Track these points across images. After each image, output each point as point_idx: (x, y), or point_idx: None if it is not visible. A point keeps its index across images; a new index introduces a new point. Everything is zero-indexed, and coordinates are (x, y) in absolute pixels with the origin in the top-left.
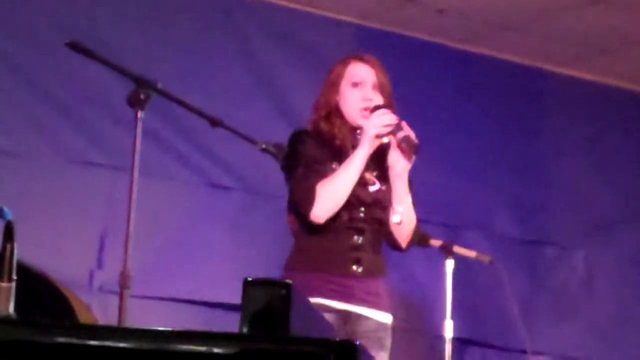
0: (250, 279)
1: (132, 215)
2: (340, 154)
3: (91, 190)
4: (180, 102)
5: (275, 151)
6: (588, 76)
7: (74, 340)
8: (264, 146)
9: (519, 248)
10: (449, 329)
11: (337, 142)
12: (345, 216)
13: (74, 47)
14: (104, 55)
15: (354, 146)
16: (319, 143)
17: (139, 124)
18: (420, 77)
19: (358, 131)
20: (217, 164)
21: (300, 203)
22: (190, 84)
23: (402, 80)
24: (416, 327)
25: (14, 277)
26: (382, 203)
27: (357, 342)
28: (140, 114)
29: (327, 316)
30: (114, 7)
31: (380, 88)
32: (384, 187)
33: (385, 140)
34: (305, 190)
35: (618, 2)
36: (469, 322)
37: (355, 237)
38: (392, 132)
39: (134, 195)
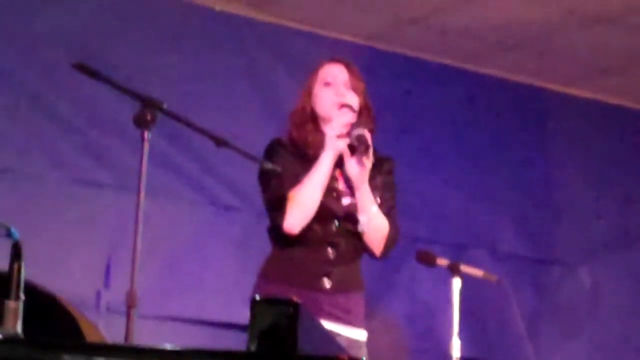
0: (257, 297)
1: (139, 235)
2: (310, 165)
3: (98, 210)
4: (185, 123)
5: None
6: (591, 95)
7: (81, 359)
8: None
9: (525, 266)
10: (456, 348)
11: (310, 151)
12: (318, 229)
13: (81, 68)
14: (110, 75)
15: None
16: (292, 152)
17: (146, 145)
18: (424, 97)
19: None
20: (223, 184)
21: (273, 214)
22: (196, 105)
23: (406, 100)
24: (423, 347)
25: (22, 296)
26: (355, 215)
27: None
28: (146, 135)
29: None
30: (121, 27)
31: (353, 87)
32: (352, 200)
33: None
34: (276, 201)
35: (620, 22)
36: (476, 341)
37: (329, 251)
38: (349, 132)
39: (140, 215)
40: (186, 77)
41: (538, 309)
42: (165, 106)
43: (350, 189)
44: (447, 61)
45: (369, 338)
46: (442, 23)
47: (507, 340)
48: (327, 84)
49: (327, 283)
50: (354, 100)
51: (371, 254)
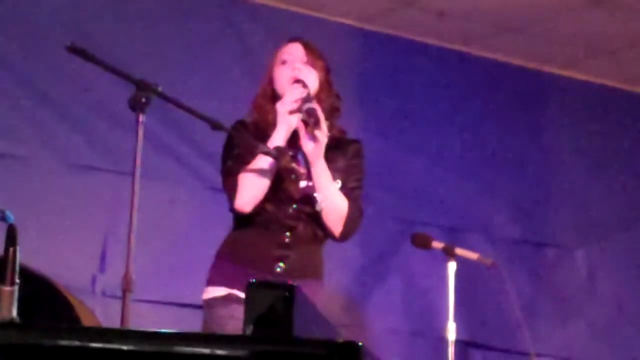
0: (253, 281)
1: (134, 219)
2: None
3: (93, 194)
4: (180, 106)
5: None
6: (588, 78)
7: (77, 343)
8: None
9: (520, 250)
10: (451, 332)
11: (271, 130)
12: (275, 211)
13: (75, 50)
14: (105, 58)
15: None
16: (254, 133)
17: (141, 128)
18: (420, 80)
19: None
20: (218, 167)
21: (227, 194)
22: (191, 87)
23: (402, 83)
24: (419, 330)
25: (17, 280)
26: (310, 199)
27: (361, 344)
28: (141, 118)
29: (240, 309)
30: (115, 10)
31: (310, 64)
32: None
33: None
34: (229, 180)
35: (618, 4)
36: (472, 324)
37: (285, 234)
38: (300, 106)
39: (136, 199)
40: (179, 59)
41: (534, 292)
42: (159, 89)
43: (310, 172)
44: (443, 44)
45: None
46: (438, 5)
47: (503, 323)
48: (283, 62)
49: (280, 265)
50: (311, 76)
51: (331, 235)
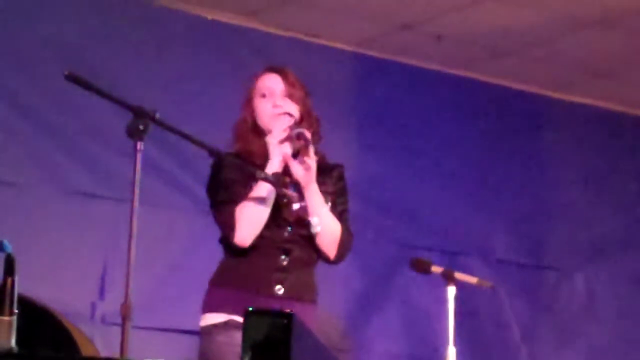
0: (251, 308)
1: (133, 246)
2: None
3: (91, 221)
4: (178, 132)
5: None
6: (585, 100)
7: None
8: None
9: (519, 273)
10: (451, 356)
11: (257, 160)
12: (270, 236)
13: (73, 79)
14: (103, 86)
15: None
16: (238, 164)
17: (139, 155)
18: (417, 104)
19: None
20: None
21: (223, 229)
22: (189, 113)
23: (400, 107)
24: (418, 355)
25: (15, 310)
26: (304, 221)
27: None
28: (139, 145)
29: (239, 335)
30: (113, 37)
31: (289, 96)
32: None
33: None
34: (225, 216)
35: (615, 26)
36: (472, 348)
37: (282, 258)
38: (290, 133)
39: (135, 226)
40: (178, 86)
41: (533, 315)
42: (157, 116)
43: (301, 194)
44: (442, 67)
45: None
46: (436, 29)
47: (503, 346)
48: (263, 96)
49: (279, 289)
50: (292, 108)
51: (325, 258)
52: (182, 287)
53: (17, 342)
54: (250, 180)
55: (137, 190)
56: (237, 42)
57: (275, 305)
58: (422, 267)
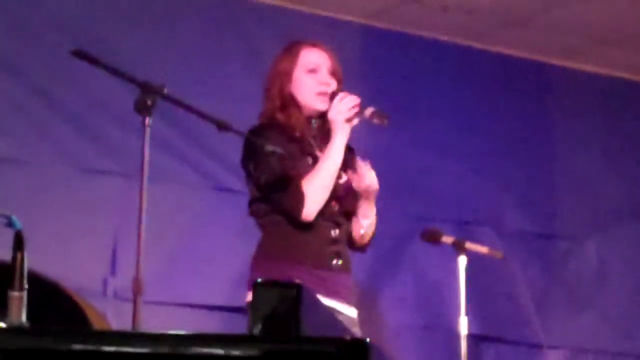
0: (259, 280)
1: (143, 221)
2: (303, 146)
3: (101, 197)
4: (186, 107)
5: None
6: (593, 68)
7: (89, 347)
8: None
9: (530, 242)
10: (463, 326)
11: (297, 133)
12: (323, 209)
13: (80, 55)
14: (110, 61)
15: (314, 136)
16: (280, 137)
17: (147, 130)
18: (425, 75)
19: (313, 120)
20: (226, 167)
21: (289, 205)
22: (196, 88)
23: (407, 78)
24: (430, 325)
25: (26, 286)
26: (350, 195)
27: (369, 341)
28: (147, 120)
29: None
30: (119, 12)
31: (333, 73)
32: (348, 177)
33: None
34: (292, 191)
35: None
36: (484, 318)
37: (333, 231)
38: (359, 112)
39: (144, 201)
40: (185, 60)
41: (545, 285)
42: (165, 91)
43: (343, 166)
44: (448, 38)
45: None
46: (442, 0)
47: (515, 316)
48: (310, 71)
49: (336, 262)
50: (335, 87)
51: (355, 249)
52: (193, 262)
53: (28, 318)
54: (298, 152)
55: (146, 166)
56: (244, 15)
57: (333, 277)
58: (433, 238)
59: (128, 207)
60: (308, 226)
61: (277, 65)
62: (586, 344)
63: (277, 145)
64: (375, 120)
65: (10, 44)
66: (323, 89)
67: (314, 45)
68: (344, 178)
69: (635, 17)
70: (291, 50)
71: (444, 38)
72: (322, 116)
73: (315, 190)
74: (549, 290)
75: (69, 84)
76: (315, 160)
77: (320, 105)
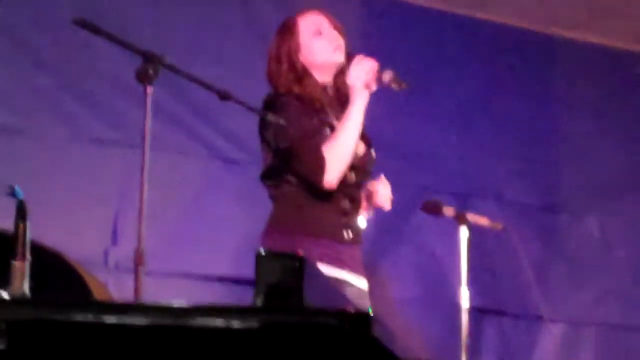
0: (262, 251)
1: (145, 191)
2: (321, 115)
3: (103, 167)
4: (188, 76)
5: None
6: (596, 39)
7: (90, 318)
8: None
9: (532, 215)
10: (464, 298)
11: (317, 104)
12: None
13: (81, 23)
14: (111, 30)
15: (330, 104)
16: (299, 106)
17: (149, 100)
18: (426, 45)
19: (328, 88)
20: (228, 137)
21: (310, 170)
22: (198, 57)
23: (408, 48)
24: (431, 297)
25: (28, 256)
26: (367, 167)
27: (372, 313)
28: (149, 90)
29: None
30: None
31: (337, 28)
32: (366, 151)
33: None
34: (313, 158)
35: None
36: (485, 290)
37: (345, 202)
38: (378, 76)
39: (146, 172)
40: (187, 29)
41: (546, 257)
42: (167, 60)
43: (363, 138)
44: (450, 8)
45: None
46: None
47: (516, 289)
48: (316, 33)
49: (348, 234)
50: (342, 41)
51: None
52: (195, 232)
53: (30, 288)
54: (318, 120)
55: (147, 136)
56: None
57: (344, 249)
58: (433, 209)
59: (130, 177)
60: (324, 196)
61: (280, 43)
62: (587, 317)
63: (295, 114)
64: (394, 86)
65: (12, 12)
66: (336, 43)
67: (310, 11)
68: (362, 150)
69: None
70: (287, 24)
71: (445, 8)
72: (336, 83)
73: (336, 156)
74: (550, 263)
75: (71, 52)
76: (333, 130)
77: (339, 57)
